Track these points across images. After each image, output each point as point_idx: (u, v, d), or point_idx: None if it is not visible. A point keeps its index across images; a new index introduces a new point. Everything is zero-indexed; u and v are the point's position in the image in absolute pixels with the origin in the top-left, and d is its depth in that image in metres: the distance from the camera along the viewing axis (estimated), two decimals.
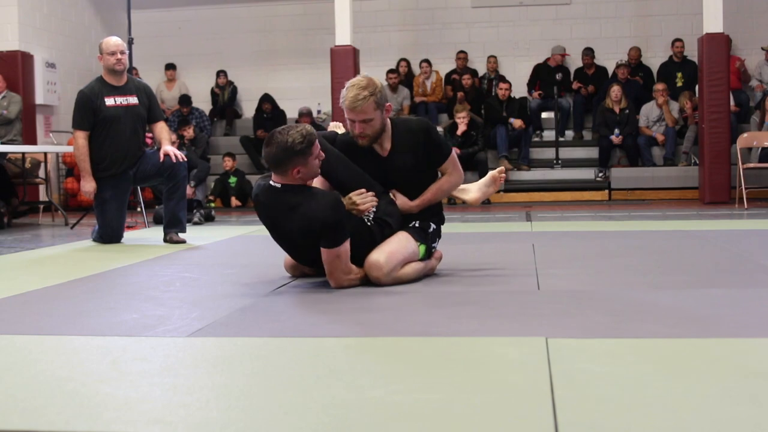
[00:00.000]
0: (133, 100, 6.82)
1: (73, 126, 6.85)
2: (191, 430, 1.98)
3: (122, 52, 6.76)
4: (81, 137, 6.71)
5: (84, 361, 2.77)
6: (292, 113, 13.17)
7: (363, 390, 2.28)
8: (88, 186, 6.70)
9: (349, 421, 2.02)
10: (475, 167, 11.91)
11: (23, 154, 10.17)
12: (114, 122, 6.72)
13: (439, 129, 12.88)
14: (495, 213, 10.00)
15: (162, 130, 6.97)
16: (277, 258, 4.70)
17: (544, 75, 13.53)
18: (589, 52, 13.49)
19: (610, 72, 13.46)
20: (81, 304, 3.88)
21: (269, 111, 13.35)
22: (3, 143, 10.20)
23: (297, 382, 2.39)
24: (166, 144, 6.86)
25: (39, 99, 12.28)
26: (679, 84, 12.97)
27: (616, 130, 12.29)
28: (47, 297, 4.11)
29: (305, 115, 12.55)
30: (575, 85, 13.47)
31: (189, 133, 12.07)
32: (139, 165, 6.82)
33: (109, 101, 6.73)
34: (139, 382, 2.43)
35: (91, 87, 6.78)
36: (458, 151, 11.77)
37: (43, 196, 11.31)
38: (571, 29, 13.98)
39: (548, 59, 13.67)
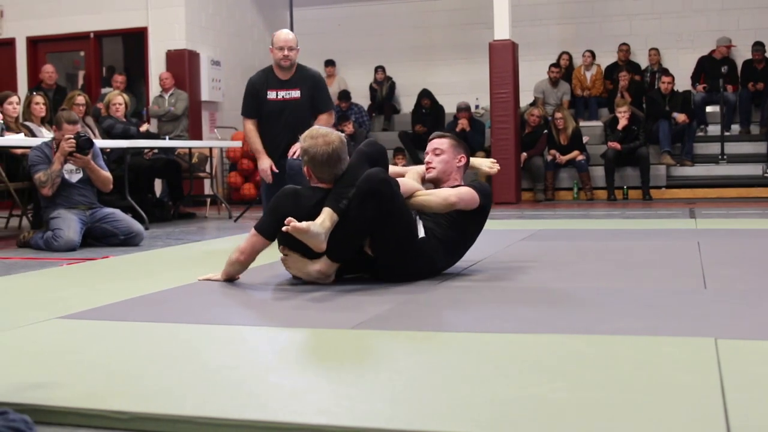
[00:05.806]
0: (296, 93, 6.75)
1: (242, 113, 6.98)
2: (357, 421, 2.00)
3: (290, 48, 6.69)
4: (248, 123, 6.85)
5: (251, 350, 2.84)
6: (450, 108, 13.15)
7: (526, 387, 2.26)
8: (264, 163, 6.74)
9: (512, 418, 2.01)
10: (636, 162, 11.65)
11: (190, 149, 10.53)
12: (272, 116, 6.77)
13: (599, 124, 12.69)
14: (657, 209, 9.75)
15: (318, 123, 6.56)
16: None
17: (708, 68, 13.09)
18: (759, 47, 12.91)
19: None
20: (249, 295, 3.99)
21: (428, 106, 13.37)
22: (170, 139, 10.58)
23: (460, 376, 2.39)
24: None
25: (204, 96, 12.70)
26: None
27: None
28: (214, 287, 4.21)
29: (464, 110, 12.50)
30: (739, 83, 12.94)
31: (348, 128, 12.27)
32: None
33: (271, 95, 6.76)
34: (304, 373, 2.47)
35: (259, 76, 6.88)
36: (618, 147, 11.54)
37: (208, 190, 11.67)
38: (738, 20, 13.45)
39: (713, 51, 13.20)
